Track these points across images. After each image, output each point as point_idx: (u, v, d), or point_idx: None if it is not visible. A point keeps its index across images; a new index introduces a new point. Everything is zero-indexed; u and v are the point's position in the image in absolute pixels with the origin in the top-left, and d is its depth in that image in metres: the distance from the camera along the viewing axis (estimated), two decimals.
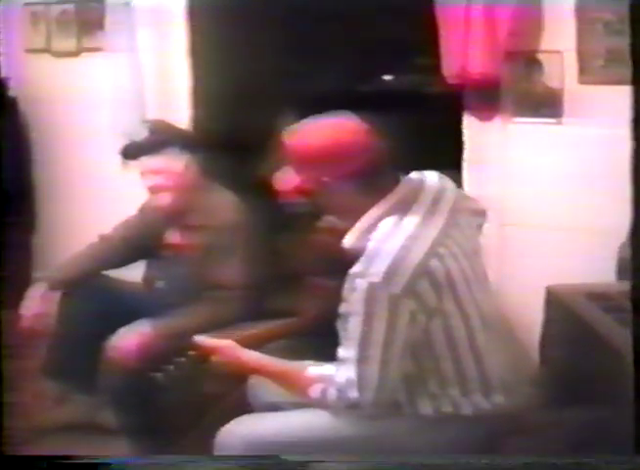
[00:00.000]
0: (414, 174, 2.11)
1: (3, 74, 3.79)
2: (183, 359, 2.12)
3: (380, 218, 1.98)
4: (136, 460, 2.01)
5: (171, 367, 2.12)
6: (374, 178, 2.00)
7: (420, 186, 2.06)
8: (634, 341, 1.86)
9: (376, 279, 1.88)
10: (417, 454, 2.01)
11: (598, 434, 2.12)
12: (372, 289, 1.89)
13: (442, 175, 2.15)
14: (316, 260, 2.72)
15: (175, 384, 2.16)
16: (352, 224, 2.02)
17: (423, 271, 1.91)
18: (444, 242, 1.98)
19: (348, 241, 2.01)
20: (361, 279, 1.90)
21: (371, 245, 1.94)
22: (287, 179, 2.06)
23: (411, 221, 1.97)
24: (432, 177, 2.12)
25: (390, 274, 1.88)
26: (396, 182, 2.03)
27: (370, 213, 1.99)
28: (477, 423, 2.01)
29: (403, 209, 1.99)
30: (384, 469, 2.01)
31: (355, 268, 1.93)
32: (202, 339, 2.13)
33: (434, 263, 1.93)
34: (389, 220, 1.97)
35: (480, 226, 2.23)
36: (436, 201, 2.04)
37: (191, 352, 2.12)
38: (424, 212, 2.00)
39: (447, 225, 2.02)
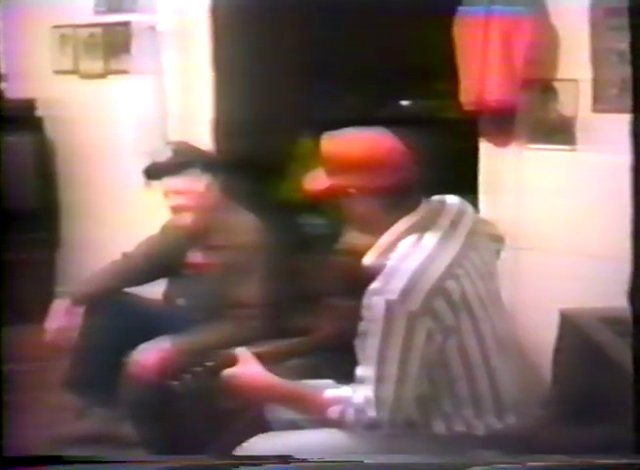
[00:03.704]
0: (435, 197, 2.15)
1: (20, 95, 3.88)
2: (200, 369, 2.16)
3: (400, 237, 2.02)
4: (135, 461, 2.03)
5: (188, 376, 2.16)
6: (400, 196, 2.04)
7: (440, 208, 2.10)
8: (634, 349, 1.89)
9: (393, 296, 1.91)
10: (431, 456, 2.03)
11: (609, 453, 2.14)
12: (389, 306, 1.91)
13: (463, 200, 2.19)
14: (334, 281, 2.75)
15: (191, 393, 2.19)
16: (371, 239, 2.05)
17: (439, 290, 1.94)
18: (461, 263, 2.01)
19: (369, 259, 2.05)
20: (379, 296, 1.94)
21: (390, 263, 1.97)
22: (316, 181, 2.09)
23: (430, 242, 2.01)
24: (452, 201, 2.16)
25: (408, 292, 1.91)
26: (418, 203, 2.07)
27: (391, 231, 2.03)
28: (489, 443, 2.03)
29: (423, 229, 2.03)
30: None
31: (373, 285, 1.96)
32: (223, 354, 2.17)
33: (451, 284, 1.97)
34: (409, 240, 2.01)
35: (498, 252, 2.27)
36: (455, 223, 2.08)
37: (208, 363, 2.16)
38: (442, 234, 2.04)
39: (465, 247, 2.05)
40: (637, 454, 1.84)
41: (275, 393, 2.14)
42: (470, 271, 2.02)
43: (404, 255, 1.99)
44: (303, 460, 1.89)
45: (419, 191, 2.09)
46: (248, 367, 2.12)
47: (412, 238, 2.02)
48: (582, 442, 2.31)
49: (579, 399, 2.45)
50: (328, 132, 2.10)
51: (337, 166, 2.05)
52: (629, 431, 1.90)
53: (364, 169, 2.02)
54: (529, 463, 1.92)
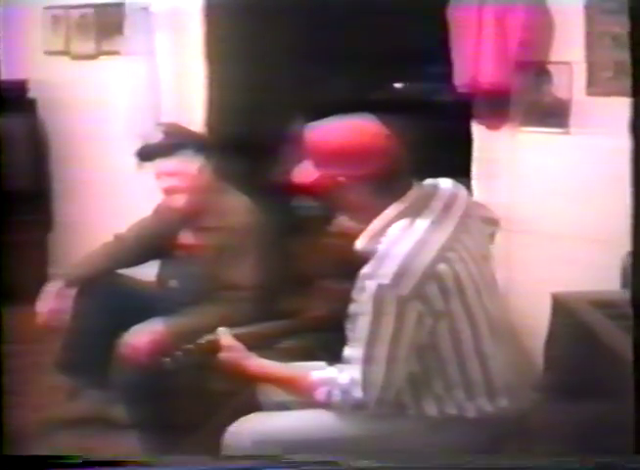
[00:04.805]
0: (428, 181, 2.15)
1: (12, 76, 3.87)
2: (191, 347, 2.17)
3: (391, 222, 2.02)
4: (135, 461, 2.04)
5: (179, 353, 2.18)
6: (389, 181, 2.04)
7: (432, 192, 2.10)
8: (634, 343, 1.89)
9: (385, 281, 1.92)
10: (421, 455, 2.03)
11: (600, 437, 2.16)
12: (380, 290, 1.92)
13: (456, 183, 2.18)
14: (326, 263, 2.76)
15: (182, 370, 2.21)
16: (363, 225, 2.05)
17: (431, 275, 1.95)
18: (453, 247, 2.01)
19: (360, 243, 2.05)
20: (370, 280, 1.94)
21: (381, 247, 1.98)
22: (304, 174, 2.09)
23: (421, 225, 2.01)
24: (445, 184, 2.15)
25: (399, 276, 1.92)
26: (410, 187, 2.07)
27: (382, 216, 2.03)
28: (480, 425, 2.04)
29: (414, 213, 2.03)
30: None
31: (365, 270, 1.97)
32: (215, 334, 2.18)
33: (443, 267, 1.97)
34: (400, 224, 2.01)
35: (492, 234, 2.27)
36: (448, 207, 2.08)
37: (200, 341, 2.17)
38: (434, 217, 2.04)
39: (457, 231, 2.05)
40: (637, 454, 1.84)
41: (261, 375, 2.16)
42: (463, 255, 2.02)
43: (395, 239, 1.99)
44: (304, 461, 1.91)
45: (409, 176, 2.09)
46: (232, 350, 2.14)
47: (403, 222, 2.02)
48: (573, 425, 2.32)
49: (571, 382, 2.46)
50: (311, 123, 2.10)
51: (323, 157, 2.05)
52: (620, 417, 1.91)
53: (351, 157, 2.02)
54: (528, 463, 1.94)
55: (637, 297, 1.94)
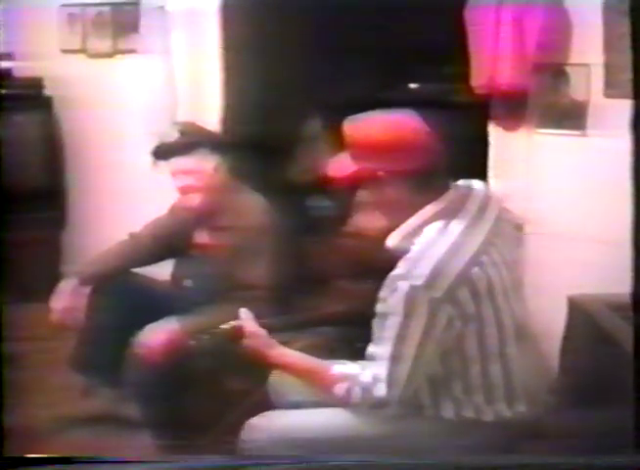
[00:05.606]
0: (463, 181, 2.13)
1: (28, 74, 3.90)
2: (217, 331, 2.18)
3: (426, 222, 2.01)
4: (137, 461, 2.04)
5: (205, 337, 2.19)
6: (428, 180, 2.02)
7: (468, 194, 2.08)
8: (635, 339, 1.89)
9: (418, 282, 1.91)
10: (435, 455, 2.03)
11: (616, 440, 2.14)
12: (413, 292, 1.91)
13: (488, 185, 2.18)
14: (341, 263, 2.76)
15: (207, 353, 2.23)
16: (395, 223, 2.04)
17: (464, 279, 1.94)
18: (487, 250, 2.00)
19: (392, 241, 2.04)
20: (403, 281, 1.93)
21: (415, 248, 1.97)
22: (342, 166, 2.07)
23: (456, 228, 1.99)
24: (479, 186, 2.14)
25: (432, 279, 1.91)
26: (447, 187, 2.05)
27: (417, 216, 2.02)
28: (496, 429, 2.03)
29: (450, 215, 2.01)
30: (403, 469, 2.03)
31: (398, 270, 1.96)
32: (239, 321, 2.17)
33: (476, 272, 1.96)
34: (435, 225, 2.00)
35: (519, 240, 2.25)
36: (482, 209, 2.06)
37: (224, 326, 2.17)
38: (469, 220, 2.02)
39: (491, 234, 2.03)
40: (637, 454, 1.83)
41: (282, 364, 2.16)
42: (495, 258, 2.01)
43: (431, 240, 1.97)
44: (306, 460, 1.91)
45: (447, 175, 2.08)
46: (255, 336, 2.14)
47: (439, 224, 2.00)
48: (590, 429, 2.31)
49: (588, 385, 2.45)
50: (352, 117, 2.07)
51: (363, 150, 2.03)
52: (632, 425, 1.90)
53: (392, 152, 2.00)
54: (530, 463, 1.93)
55: (638, 293, 1.93)
